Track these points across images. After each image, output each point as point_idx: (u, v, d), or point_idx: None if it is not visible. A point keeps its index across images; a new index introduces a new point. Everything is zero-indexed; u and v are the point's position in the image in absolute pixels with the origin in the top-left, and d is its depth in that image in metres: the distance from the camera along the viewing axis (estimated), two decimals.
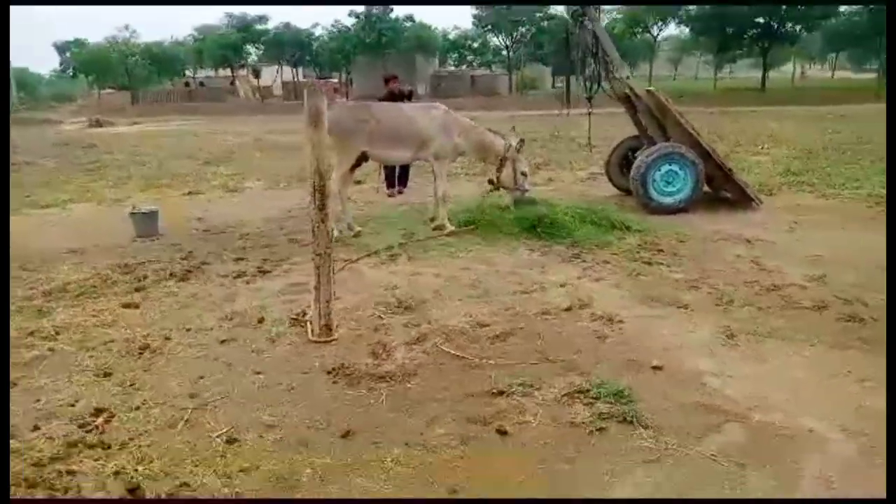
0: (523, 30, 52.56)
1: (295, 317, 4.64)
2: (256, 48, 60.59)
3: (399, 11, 52.37)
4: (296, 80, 61.43)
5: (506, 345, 4.13)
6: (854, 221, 7.26)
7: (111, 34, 57.38)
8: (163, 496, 2.72)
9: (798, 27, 48.82)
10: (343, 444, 3.09)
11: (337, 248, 6.57)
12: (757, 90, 46.43)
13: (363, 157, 7.03)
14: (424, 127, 6.84)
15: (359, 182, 10.95)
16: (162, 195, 10.24)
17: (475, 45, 57.45)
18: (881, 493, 2.45)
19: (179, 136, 22.00)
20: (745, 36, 48.18)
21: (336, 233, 6.76)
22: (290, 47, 58.11)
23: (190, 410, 3.39)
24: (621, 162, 9.20)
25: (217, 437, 3.14)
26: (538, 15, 50.79)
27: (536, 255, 6.18)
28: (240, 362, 3.97)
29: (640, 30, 50.65)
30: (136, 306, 5.01)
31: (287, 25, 57.83)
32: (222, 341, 4.30)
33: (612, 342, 4.15)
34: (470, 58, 59.55)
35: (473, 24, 53.89)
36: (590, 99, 8.63)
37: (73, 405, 3.48)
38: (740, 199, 8.18)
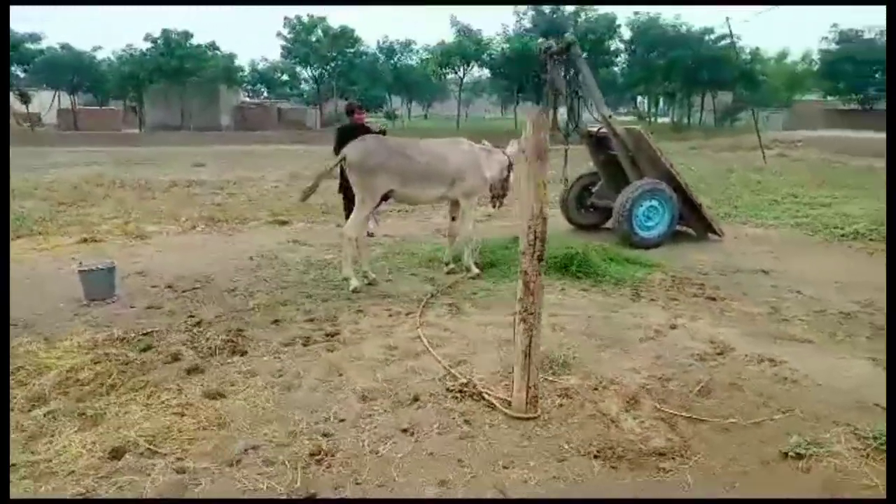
0: (334, 64, 52.18)
1: (459, 389, 3.87)
2: (25, 70, 52.96)
3: (201, 39, 49.25)
4: (74, 108, 54.71)
5: (720, 400, 3.80)
6: (817, 248, 8.06)
7: None
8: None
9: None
10: None
11: (367, 298, 5.78)
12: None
13: (383, 199, 6.27)
14: (457, 163, 6.27)
15: (283, 222, 9.91)
16: (48, 244, 8.29)
17: (284, 77, 55.88)
18: None
19: None
20: (539, 78, 52.77)
21: (355, 283, 5.99)
22: (68, 71, 51.69)
23: None
24: (578, 198, 9.31)
25: None
26: (350, 52, 50.98)
27: (598, 296, 5.92)
28: (465, 456, 3.18)
29: (448, 71, 52.92)
30: (223, 395, 3.86)
31: (66, 47, 51.55)
32: (404, 430, 3.43)
33: (808, 386, 4.01)
34: (277, 91, 57.81)
35: (283, 55, 52.42)
36: (567, 136, 8.63)
37: None
38: (702, 233, 8.67)
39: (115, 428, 3.46)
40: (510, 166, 6.75)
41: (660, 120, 68.08)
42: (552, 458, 3.16)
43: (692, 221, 8.63)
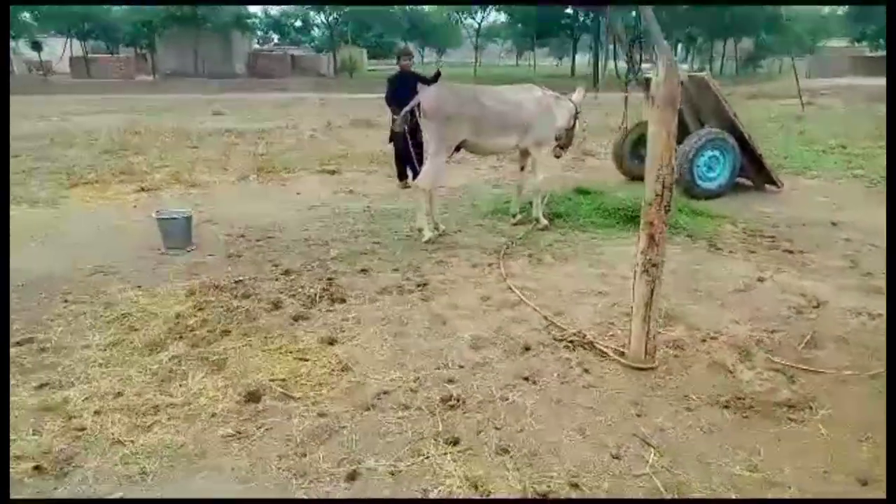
0: (348, 9, 51.07)
1: (569, 339, 3.92)
2: (35, 15, 52.08)
3: None
4: (86, 55, 54.01)
5: (829, 352, 3.83)
6: (879, 200, 7.95)
7: None
8: None
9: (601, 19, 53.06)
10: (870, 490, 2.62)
11: (443, 249, 5.79)
12: (567, 76, 50.02)
13: (456, 149, 6.21)
14: (530, 111, 6.19)
15: (333, 172, 9.88)
16: (104, 193, 8.32)
17: (297, 23, 54.85)
18: None
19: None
20: (557, 24, 51.43)
21: (429, 234, 6.01)
22: (78, 18, 50.81)
23: (655, 472, 2.68)
24: (632, 149, 9.18)
25: None
26: None
27: (677, 249, 5.87)
28: (594, 405, 3.25)
29: (465, 15, 51.83)
30: (337, 342, 3.93)
31: None
32: (525, 378, 3.50)
33: None
34: (288, 36, 56.73)
35: None
36: (627, 83, 8.44)
37: (487, 494, 2.58)
38: (760, 184, 8.58)
39: (242, 372, 3.54)
40: (576, 114, 6.65)
41: (681, 66, 66.51)
42: (682, 408, 3.21)
43: (751, 172, 8.53)
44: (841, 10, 54.57)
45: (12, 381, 3.45)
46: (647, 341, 3.56)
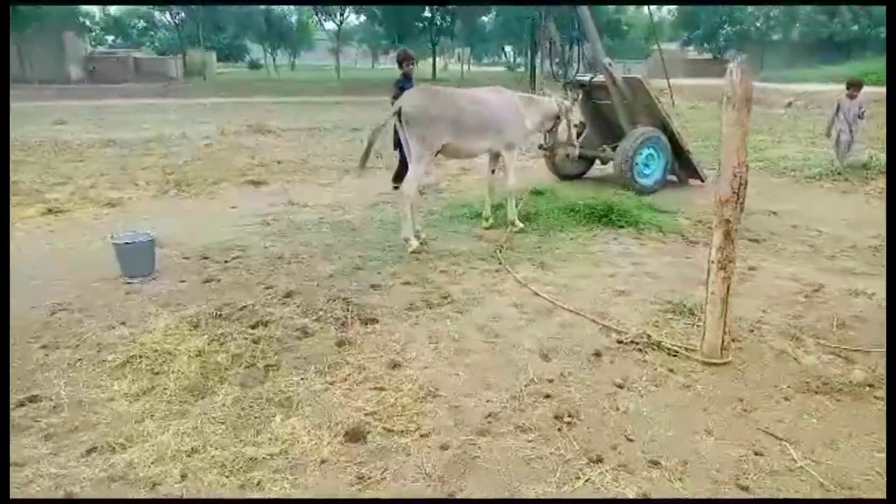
0: (195, 8, 48.20)
1: (633, 341, 3.91)
2: None
3: None
4: None
5: (858, 332, 4.12)
6: (794, 189, 8.77)
7: None
8: None
9: (458, 23, 54.22)
10: None
11: (435, 259, 5.61)
12: (429, 79, 50.63)
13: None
14: (503, 113, 6.13)
15: (257, 183, 9.27)
16: (12, 216, 7.21)
17: (140, 23, 50.99)
18: None
19: None
20: (416, 27, 51.81)
21: (415, 243, 5.84)
22: None
23: (807, 464, 2.73)
24: None
25: None
26: None
27: (656, 243, 6.14)
28: (702, 405, 3.27)
29: (325, 17, 50.78)
30: (401, 365, 3.67)
31: None
32: (618, 385, 3.45)
33: None
34: (129, 38, 52.60)
35: None
36: (566, 86, 8.66)
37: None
38: (686, 178, 9.14)
39: (323, 411, 3.20)
40: (558, 116, 6.70)
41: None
42: (780, 399, 3.32)
43: (678, 168, 9.05)
44: (670, 15, 59.75)
45: (46, 450, 2.88)
46: (724, 337, 3.64)
